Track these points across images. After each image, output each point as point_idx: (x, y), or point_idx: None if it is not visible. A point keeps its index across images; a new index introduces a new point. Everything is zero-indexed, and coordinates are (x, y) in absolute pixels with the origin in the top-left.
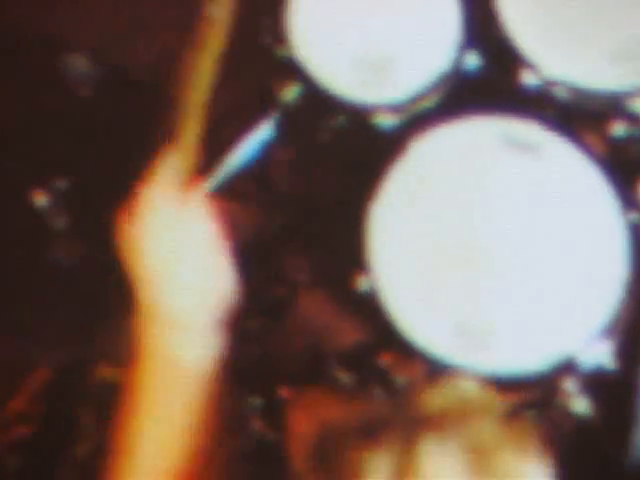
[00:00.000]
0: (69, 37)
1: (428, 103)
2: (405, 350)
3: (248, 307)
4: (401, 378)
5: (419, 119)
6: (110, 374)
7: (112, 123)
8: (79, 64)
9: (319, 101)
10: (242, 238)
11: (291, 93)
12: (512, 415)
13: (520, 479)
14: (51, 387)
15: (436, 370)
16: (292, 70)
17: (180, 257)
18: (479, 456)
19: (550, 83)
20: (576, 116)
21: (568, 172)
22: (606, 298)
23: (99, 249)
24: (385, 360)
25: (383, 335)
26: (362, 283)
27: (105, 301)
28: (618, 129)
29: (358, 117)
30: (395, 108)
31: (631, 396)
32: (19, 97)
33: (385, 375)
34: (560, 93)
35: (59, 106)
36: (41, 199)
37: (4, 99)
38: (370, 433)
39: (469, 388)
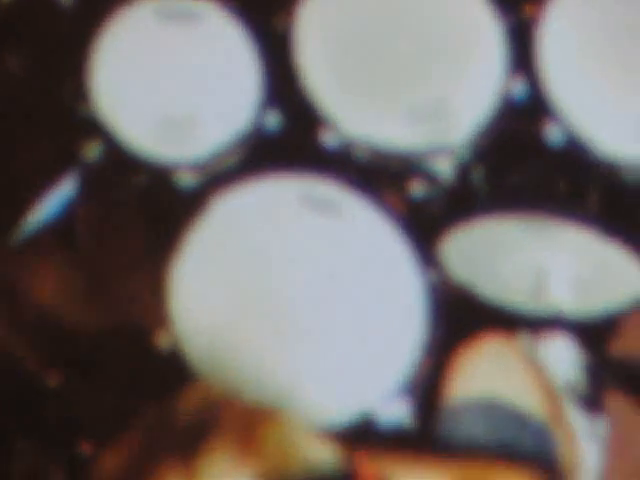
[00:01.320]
0: None
1: (229, 161)
2: None
3: None
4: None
5: (220, 177)
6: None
7: None
8: None
9: (121, 159)
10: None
11: (93, 151)
12: None
13: None
14: None
15: None
16: (94, 128)
17: None
18: None
19: (350, 143)
20: (376, 175)
21: (368, 231)
22: (405, 357)
23: None
24: None
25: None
26: (164, 339)
27: None
28: (417, 189)
29: (159, 175)
30: (196, 166)
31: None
32: None
33: None
34: (360, 153)
35: None
36: None
37: None
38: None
39: None
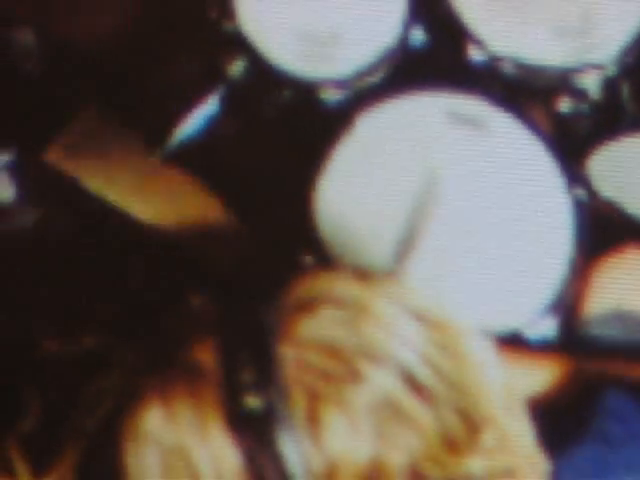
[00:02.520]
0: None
1: (374, 78)
2: None
3: None
4: None
5: (365, 94)
6: (55, 349)
7: (57, 99)
8: (24, 38)
9: (265, 76)
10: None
11: (237, 68)
12: None
13: None
14: None
15: None
16: (238, 45)
17: None
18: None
19: (496, 59)
20: (522, 92)
21: (514, 148)
22: (551, 274)
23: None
24: None
25: None
26: (309, 260)
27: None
28: (564, 105)
29: (304, 92)
30: (341, 83)
31: None
32: None
33: None
34: (507, 69)
35: (2, 81)
36: None
37: None
38: None
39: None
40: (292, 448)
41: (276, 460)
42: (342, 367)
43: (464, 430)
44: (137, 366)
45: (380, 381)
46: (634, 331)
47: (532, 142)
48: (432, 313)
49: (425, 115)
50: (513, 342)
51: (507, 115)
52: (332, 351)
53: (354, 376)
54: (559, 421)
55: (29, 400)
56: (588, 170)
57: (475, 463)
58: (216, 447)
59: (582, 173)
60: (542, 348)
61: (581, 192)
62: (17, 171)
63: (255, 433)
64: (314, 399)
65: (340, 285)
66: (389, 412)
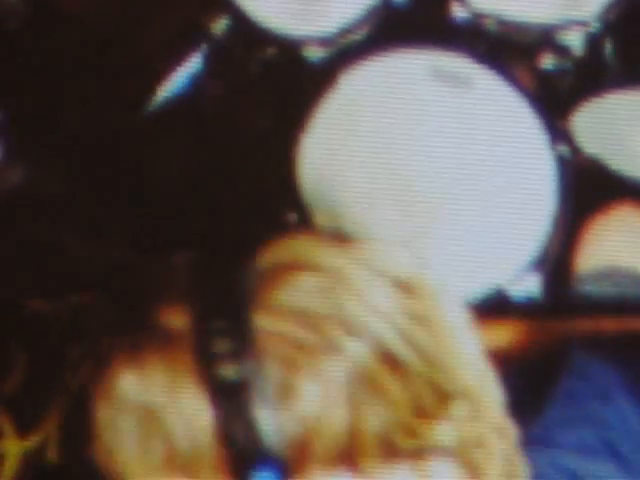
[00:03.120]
0: None
1: (357, 36)
2: None
3: None
4: None
5: (348, 52)
6: (42, 308)
7: (42, 57)
8: None
9: (249, 34)
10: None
11: (221, 26)
12: None
13: None
14: None
15: None
16: (222, 2)
17: None
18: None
19: (480, 16)
20: (506, 49)
21: (497, 105)
22: (535, 231)
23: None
24: None
25: None
26: (292, 218)
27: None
28: (547, 62)
29: (288, 50)
30: (324, 41)
31: None
32: None
33: None
34: (490, 26)
35: None
36: None
37: None
38: None
39: None
40: (266, 417)
41: (250, 427)
42: (317, 337)
43: (436, 400)
44: (111, 325)
45: (354, 351)
46: (623, 288)
47: (515, 99)
48: (410, 279)
49: (408, 72)
50: (497, 300)
51: (490, 72)
52: (307, 321)
53: (328, 346)
54: (529, 379)
55: (14, 359)
56: (571, 127)
57: (446, 432)
58: (189, 410)
59: (565, 130)
60: (526, 306)
61: (564, 149)
62: (4, 129)
63: (229, 400)
64: (289, 368)
65: (318, 251)
66: (363, 382)
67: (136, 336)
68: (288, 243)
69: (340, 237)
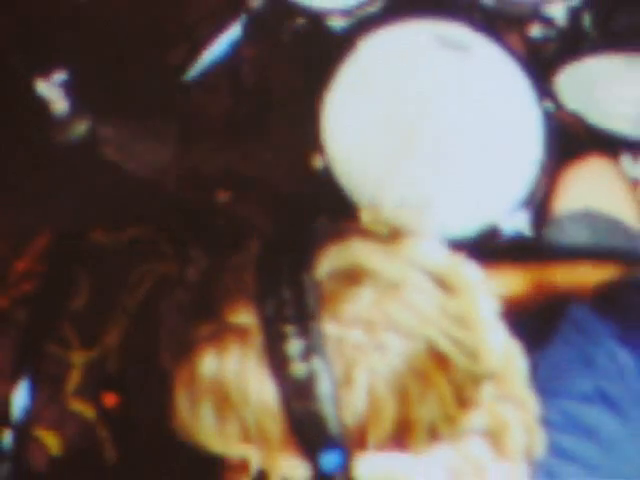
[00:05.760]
0: None
1: (373, 8)
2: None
3: None
4: None
5: (366, 22)
6: (103, 239)
7: (104, 26)
8: None
9: (281, 6)
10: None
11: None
12: None
13: None
14: (51, 250)
15: None
16: None
17: None
18: None
19: None
20: (500, 20)
21: (493, 67)
22: (525, 175)
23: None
24: None
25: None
26: (318, 162)
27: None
28: (535, 31)
29: (314, 20)
30: (345, 12)
31: None
32: None
33: None
34: (486, 0)
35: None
36: (42, 87)
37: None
38: None
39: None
40: (330, 407)
41: (317, 417)
42: (372, 339)
43: (473, 388)
44: (171, 256)
45: (402, 351)
46: (597, 233)
47: (508, 62)
48: (448, 276)
49: (417, 39)
50: (490, 236)
51: (487, 39)
52: (367, 328)
53: (381, 346)
54: (533, 325)
55: (80, 283)
56: (555, 86)
57: (479, 417)
58: (259, 399)
59: (550, 88)
60: (516, 242)
61: (549, 104)
62: (70, 87)
63: (298, 394)
64: (349, 366)
65: (371, 257)
66: (412, 377)
67: (216, 328)
68: (344, 249)
69: (384, 235)
